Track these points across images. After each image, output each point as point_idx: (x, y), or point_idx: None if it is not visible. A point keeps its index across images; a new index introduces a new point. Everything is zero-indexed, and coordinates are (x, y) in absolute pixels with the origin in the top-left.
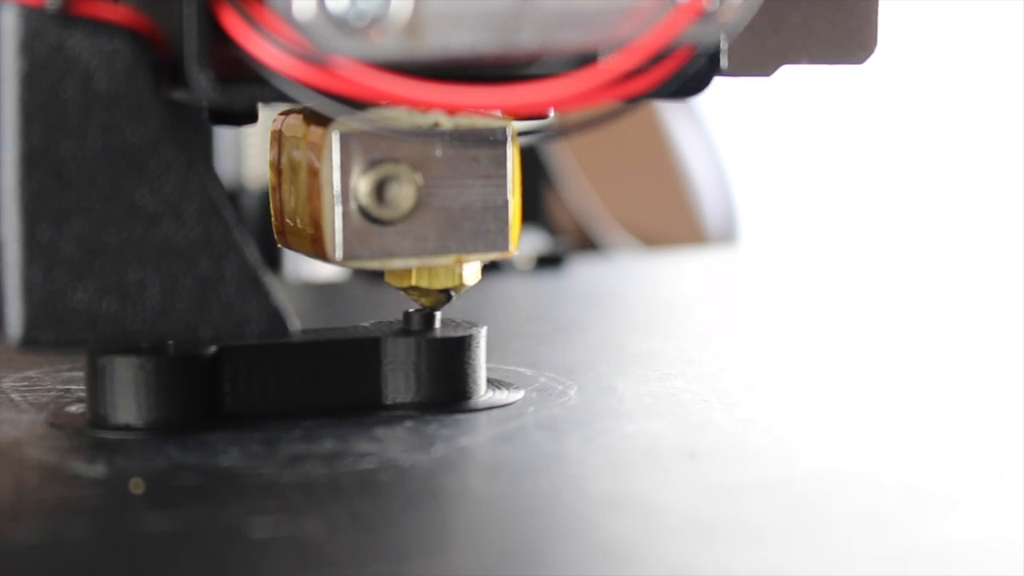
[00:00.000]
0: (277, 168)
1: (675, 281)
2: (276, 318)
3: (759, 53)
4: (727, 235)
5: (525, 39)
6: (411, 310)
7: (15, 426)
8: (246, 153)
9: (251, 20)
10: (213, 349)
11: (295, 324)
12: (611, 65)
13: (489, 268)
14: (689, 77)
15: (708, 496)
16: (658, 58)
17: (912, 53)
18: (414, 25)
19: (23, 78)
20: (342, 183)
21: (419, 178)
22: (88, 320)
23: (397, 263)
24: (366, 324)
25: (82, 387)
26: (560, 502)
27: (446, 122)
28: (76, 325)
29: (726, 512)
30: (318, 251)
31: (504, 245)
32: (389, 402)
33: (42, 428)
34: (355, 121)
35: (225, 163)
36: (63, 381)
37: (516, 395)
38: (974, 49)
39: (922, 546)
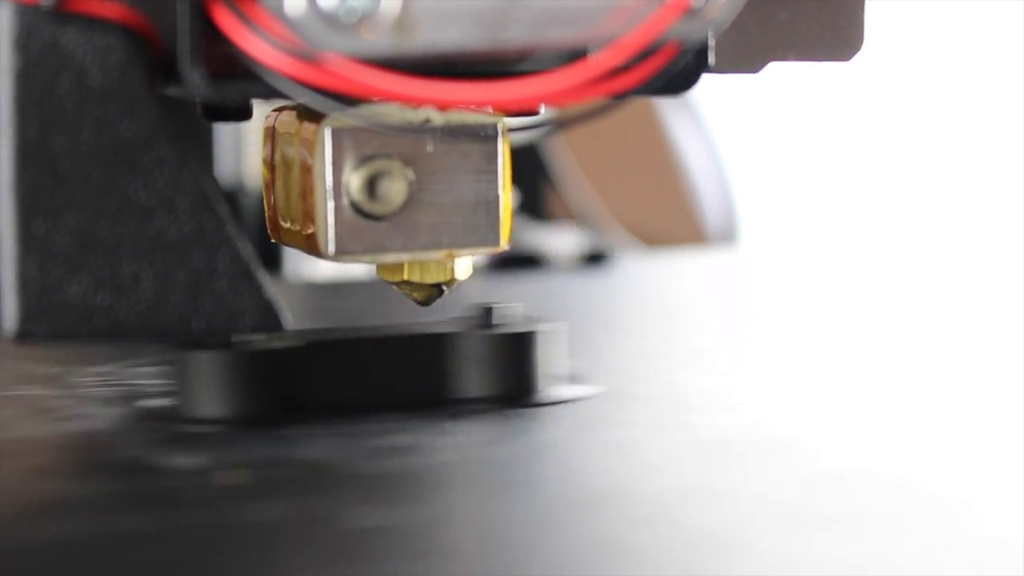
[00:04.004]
0: (270, 164)
1: (709, 279)
2: (269, 311)
3: (747, 50)
4: (727, 235)
5: (513, 35)
6: (482, 305)
7: (104, 420)
8: (245, 151)
9: (243, 17)
10: (295, 344)
11: (288, 318)
12: (599, 61)
13: (533, 266)
14: (677, 73)
15: (795, 485)
16: (646, 54)
17: (903, 50)
18: (403, 21)
19: (18, 74)
20: (334, 178)
21: (411, 173)
22: (83, 314)
23: (389, 258)
24: (436, 320)
25: (159, 381)
26: (642, 492)
27: (437, 118)
28: (71, 319)
29: (814, 501)
30: (311, 246)
31: (495, 240)
32: (462, 396)
33: (130, 421)
34: (347, 117)
35: (224, 163)
36: (139, 376)
37: (586, 390)
38: (969, 45)
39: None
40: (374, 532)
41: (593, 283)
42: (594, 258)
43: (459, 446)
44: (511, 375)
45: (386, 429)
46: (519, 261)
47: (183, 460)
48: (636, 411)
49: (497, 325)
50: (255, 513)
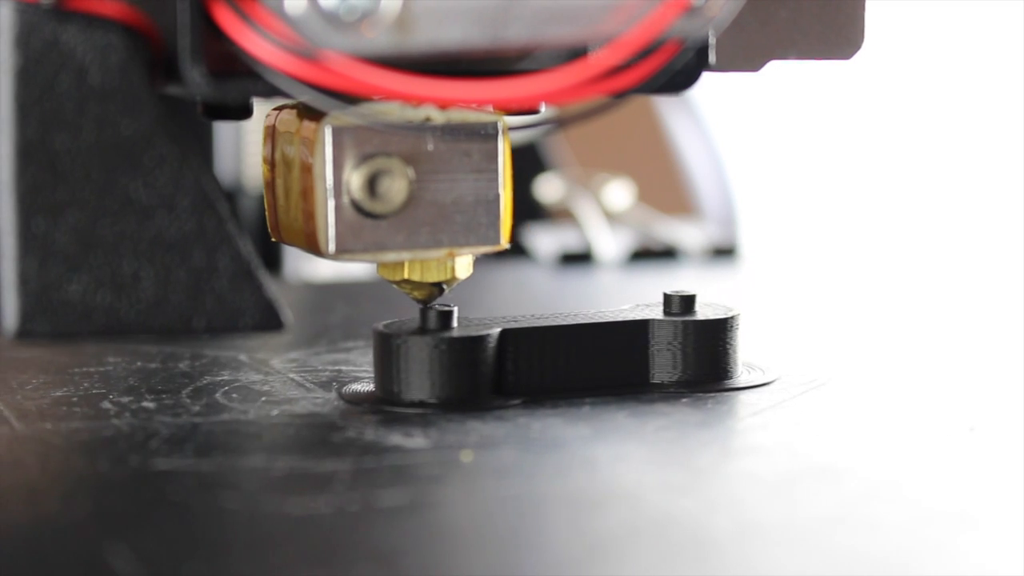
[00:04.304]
0: (271, 163)
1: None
2: (269, 310)
3: (747, 49)
4: (727, 236)
5: (513, 34)
6: (668, 292)
7: (313, 403)
8: (245, 151)
9: (244, 15)
10: (497, 330)
11: (287, 316)
12: (600, 59)
13: (665, 258)
14: (677, 72)
15: None
16: (646, 53)
17: (904, 49)
18: (404, 20)
19: (18, 73)
20: (335, 177)
21: (411, 172)
22: (83, 312)
23: (389, 256)
24: (627, 307)
25: (351, 367)
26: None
27: (438, 117)
28: (71, 317)
29: None
30: (311, 245)
31: (495, 239)
32: (656, 381)
33: (339, 405)
34: (348, 115)
35: (225, 165)
36: (329, 362)
37: (771, 375)
38: (966, 43)
39: None
40: (612, 501)
41: (719, 275)
42: (723, 252)
43: (674, 426)
44: (709, 361)
45: (596, 412)
46: (650, 254)
47: (406, 440)
48: (825, 396)
49: (697, 313)
50: (509, 488)
